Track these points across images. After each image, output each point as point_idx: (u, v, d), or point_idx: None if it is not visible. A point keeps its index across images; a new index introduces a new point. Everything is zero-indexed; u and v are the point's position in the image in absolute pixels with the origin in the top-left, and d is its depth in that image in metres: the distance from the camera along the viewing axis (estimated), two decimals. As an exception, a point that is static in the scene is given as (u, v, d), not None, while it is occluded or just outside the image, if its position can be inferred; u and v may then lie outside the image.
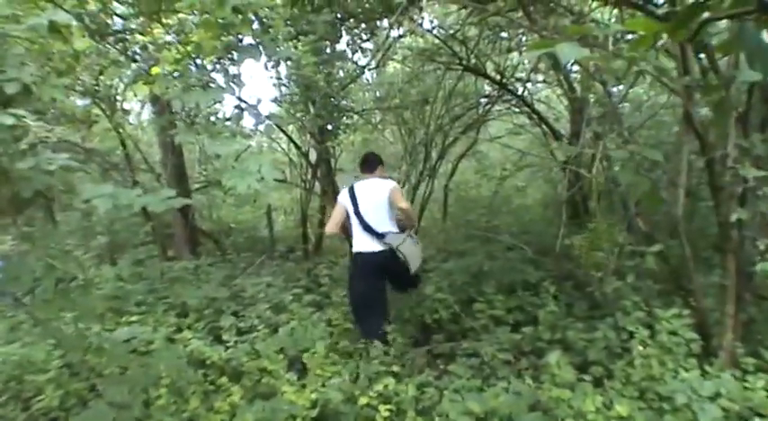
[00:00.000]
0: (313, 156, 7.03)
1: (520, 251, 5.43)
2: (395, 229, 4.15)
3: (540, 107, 7.52)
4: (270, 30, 3.37)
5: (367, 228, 4.09)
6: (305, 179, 7.53)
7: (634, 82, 3.31)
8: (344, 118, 6.29)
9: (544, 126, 6.94)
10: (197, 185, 7.98)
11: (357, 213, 4.14)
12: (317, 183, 7.21)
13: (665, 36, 1.62)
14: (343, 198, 4.29)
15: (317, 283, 5.67)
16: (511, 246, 5.71)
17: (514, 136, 8.26)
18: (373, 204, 4.13)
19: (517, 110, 7.58)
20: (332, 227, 4.28)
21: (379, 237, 4.04)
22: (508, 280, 4.96)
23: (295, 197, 9.86)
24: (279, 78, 5.80)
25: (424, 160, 7.38)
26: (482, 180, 8.93)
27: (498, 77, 6.50)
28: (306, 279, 5.86)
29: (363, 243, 4.12)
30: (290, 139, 6.78)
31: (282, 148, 8.68)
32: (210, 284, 5.50)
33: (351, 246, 4.37)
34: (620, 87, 4.84)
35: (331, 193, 6.93)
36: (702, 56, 3.04)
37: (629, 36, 3.24)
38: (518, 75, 7.09)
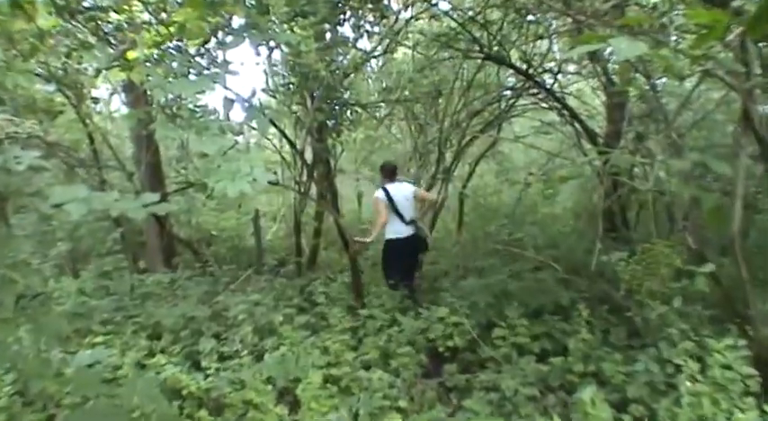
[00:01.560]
0: (309, 155, 7.04)
1: (548, 269, 5.41)
2: (416, 217, 6.09)
3: (571, 102, 7.52)
4: (268, 9, 3.39)
5: (402, 218, 5.89)
6: (299, 181, 7.55)
7: (699, 82, 3.30)
8: (348, 112, 6.31)
9: (576, 124, 6.94)
10: (175, 187, 7.99)
11: (395, 209, 5.88)
12: (313, 186, 7.21)
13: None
14: (382, 197, 5.90)
15: (311, 303, 5.66)
16: (538, 263, 5.70)
17: (542, 135, 8.25)
18: (404, 200, 5.94)
19: (545, 105, 7.57)
20: (384, 218, 5.83)
21: (409, 224, 5.93)
22: (534, 302, 4.95)
23: (287, 201, 9.88)
24: (273, 66, 5.83)
25: (436, 161, 7.38)
26: (503, 185, 8.93)
27: (524, 67, 6.50)
28: (299, 297, 5.86)
29: (399, 230, 5.92)
30: (284, 136, 6.80)
31: (274, 146, 8.70)
32: (188, 301, 5.49)
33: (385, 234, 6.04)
34: (663, 79, 4.83)
35: (330, 198, 6.94)
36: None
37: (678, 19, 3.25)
38: (547, 64, 7.09)
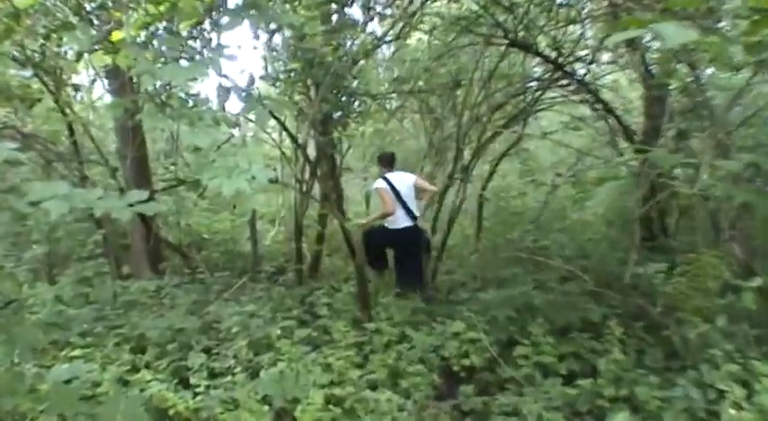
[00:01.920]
0: (312, 151, 7.04)
1: (576, 281, 5.39)
2: (419, 214, 6.49)
3: (605, 95, 7.50)
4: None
5: (408, 211, 6.36)
6: (301, 179, 7.55)
7: (754, 74, 3.27)
8: (356, 103, 6.31)
9: (611, 120, 6.92)
10: (163, 184, 8.01)
11: (400, 199, 6.31)
12: (316, 186, 7.22)
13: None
14: (386, 186, 6.32)
15: (312, 315, 5.66)
16: (565, 274, 5.68)
17: (572, 131, 8.22)
18: (408, 191, 6.39)
19: (576, 98, 7.55)
20: (391, 208, 6.25)
21: (414, 218, 6.38)
22: (561, 318, 4.93)
23: (288, 202, 9.89)
24: (273, 51, 5.84)
25: (454, 159, 7.36)
26: (528, 187, 8.90)
27: (553, 55, 6.49)
28: (299, 308, 5.86)
29: (401, 221, 6.36)
30: (285, 128, 6.81)
31: (273, 140, 8.71)
32: (176, 312, 5.51)
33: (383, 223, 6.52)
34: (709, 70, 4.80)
35: (334, 199, 6.94)
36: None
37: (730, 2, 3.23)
38: (579, 53, 7.06)
